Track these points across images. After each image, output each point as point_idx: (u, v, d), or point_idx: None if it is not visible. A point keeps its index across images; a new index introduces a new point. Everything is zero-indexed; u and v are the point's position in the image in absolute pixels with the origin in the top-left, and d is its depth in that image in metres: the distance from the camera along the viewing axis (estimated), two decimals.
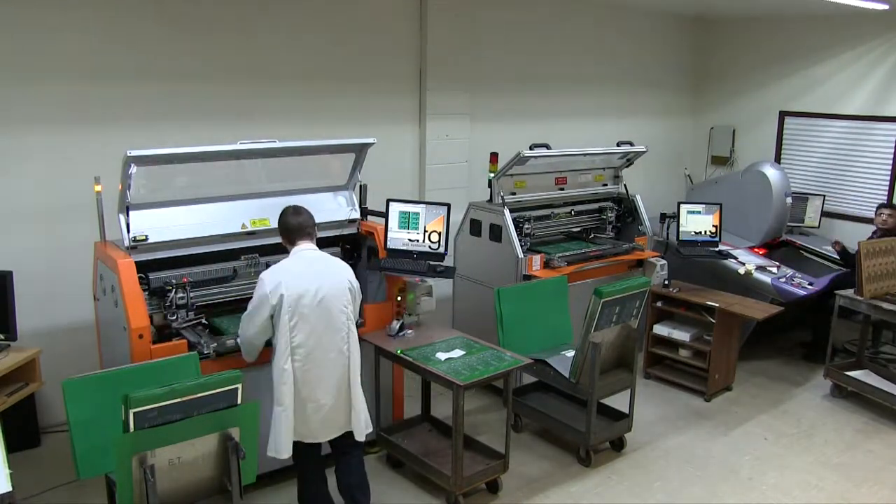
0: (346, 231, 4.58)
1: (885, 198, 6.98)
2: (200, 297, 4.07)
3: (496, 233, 5.19)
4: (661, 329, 5.65)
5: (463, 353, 4.07)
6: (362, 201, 4.65)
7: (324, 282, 3.42)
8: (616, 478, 4.39)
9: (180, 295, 3.89)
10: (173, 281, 3.90)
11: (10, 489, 2.61)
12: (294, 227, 3.52)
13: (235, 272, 4.19)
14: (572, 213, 5.94)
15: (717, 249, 5.73)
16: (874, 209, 6.31)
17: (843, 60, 7.23)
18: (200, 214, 4.06)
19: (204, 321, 4.00)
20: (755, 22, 7.83)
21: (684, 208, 5.76)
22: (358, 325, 4.31)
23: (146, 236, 3.83)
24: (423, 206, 4.51)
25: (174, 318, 3.90)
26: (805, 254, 6.66)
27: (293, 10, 5.21)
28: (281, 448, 3.40)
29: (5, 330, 4.00)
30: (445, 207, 4.48)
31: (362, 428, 3.58)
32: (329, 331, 3.43)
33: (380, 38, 5.69)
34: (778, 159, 7.73)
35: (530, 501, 4.12)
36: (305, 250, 3.52)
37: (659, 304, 5.67)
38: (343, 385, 3.50)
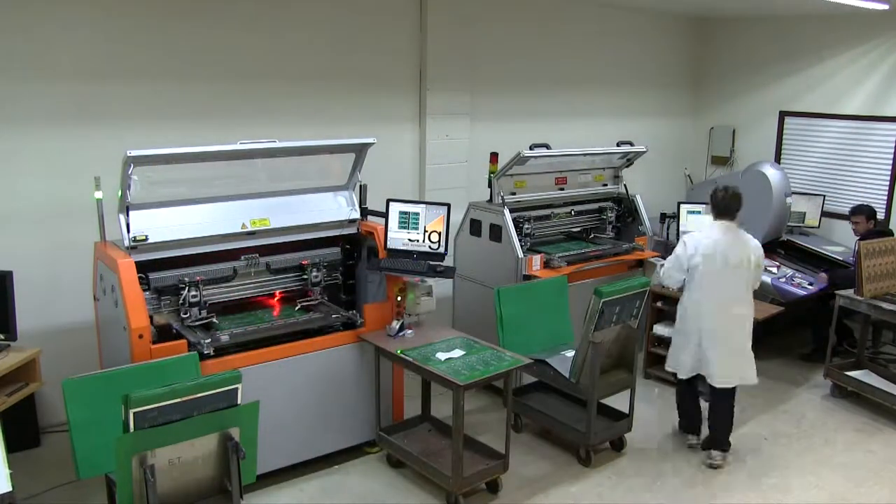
0: (346, 231, 4.58)
1: (886, 198, 6.99)
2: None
3: (496, 233, 5.19)
4: (661, 329, 5.65)
5: (463, 353, 4.07)
6: (362, 201, 4.65)
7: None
8: (616, 478, 4.39)
9: (193, 293, 3.95)
10: (186, 279, 3.95)
11: (10, 489, 2.61)
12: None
13: (235, 272, 4.19)
14: (572, 213, 5.94)
15: None
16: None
17: (843, 60, 7.23)
18: (200, 214, 4.06)
19: (215, 319, 4.06)
20: (755, 22, 7.83)
21: (684, 208, 5.76)
22: (357, 325, 4.33)
23: (146, 236, 3.83)
24: (424, 206, 4.51)
25: (187, 315, 3.96)
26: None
27: (293, 11, 5.21)
28: None
29: (5, 330, 4.00)
30: (445, 207, 4.48)
31: None
32: None
33: (380, 38, 5.69)
34: (778, 159, 7.72)
35: (530, 501, 4.12)
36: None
37: (659, 304, 5.66)
38: None
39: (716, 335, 4.40)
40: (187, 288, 3.94)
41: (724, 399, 4.51)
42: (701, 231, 4.49)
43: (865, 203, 6.41)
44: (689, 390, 4.70)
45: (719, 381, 4.44)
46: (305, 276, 4.39)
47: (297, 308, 4.37)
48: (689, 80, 8.33)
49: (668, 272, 4.53)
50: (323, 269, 4.43)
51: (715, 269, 4.32)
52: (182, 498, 2.97)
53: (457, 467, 3.86)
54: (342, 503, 4.04)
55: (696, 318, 4.44)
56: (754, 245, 4.41)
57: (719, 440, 4.55)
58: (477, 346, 4.18)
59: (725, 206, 4.35)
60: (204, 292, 4.04)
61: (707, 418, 4.65)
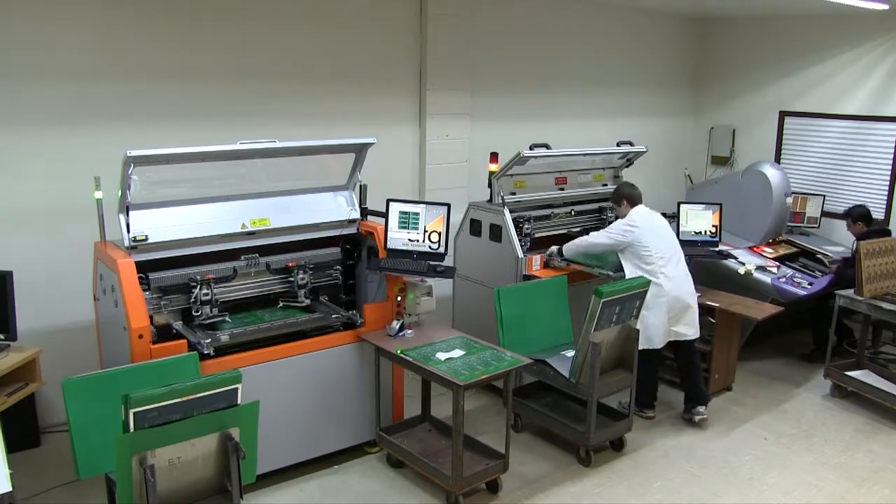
0: (346, 231, 4.58)
1: (886, 198, 6.99)
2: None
3: (496, 233, 5.19)
4: None
5: (463, 353, 4.07)
6: (362, 201, 4.66)
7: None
8: (616, 478, 4.39)
9: (205, 291, 3.97)
10: (199, 277, 3.96)
11: (10, 489, 2.61)
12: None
13: (235, 272, 4.19)
14: (572, 213, 5.93)
15: (717, 249, 5.73)
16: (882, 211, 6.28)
17: (843, 60, 7.23)
18: (200, 214, 4.06)
19: (228, 318, 4.08)
20: (755, 22, 7.83)
21: (684, 208, 5.76)
22: (357, 325, 4.34)
23: (146, 236, 3.83)
24: (424, 206, 4.51)
25: (199, 313, 3.97)
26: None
27: (293, 10, 5.21)
28: None
29: (5, 330, 4.00)
30: (445, 207, 4.48)
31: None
32: None
33: (380, 37, 5.69)
34: (778, 159, 7.72)
35: (530, 501, 4.12)
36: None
37: None
38: None
39: (687, 293, 4.86)
40: (199, 286, 3.97)
41: (693, 353, 5.01)
42: (630, 217, 4.96)
43: (860, 204, 6.41)
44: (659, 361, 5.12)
45: (695, 333, 4.91)
46: (292, 279, 4.35)
47: (281, 307, 4.37)
48: (689, 80, 8.33)
49: (599, 246, 4.98)
50: (309, 271, 4.38)
51: (665, 238, 4.90)
52: (182, 498, 2.97)
53: (457, 467, 3.86)
54: (342, 503, 4.04)
55: (669, 285, 4.76)
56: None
57: (701, 394, 5.04)
58: (477, 346, 4.18)
59: (636, 193, 5.05)
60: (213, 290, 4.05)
61: (682, 382, 5.12)
